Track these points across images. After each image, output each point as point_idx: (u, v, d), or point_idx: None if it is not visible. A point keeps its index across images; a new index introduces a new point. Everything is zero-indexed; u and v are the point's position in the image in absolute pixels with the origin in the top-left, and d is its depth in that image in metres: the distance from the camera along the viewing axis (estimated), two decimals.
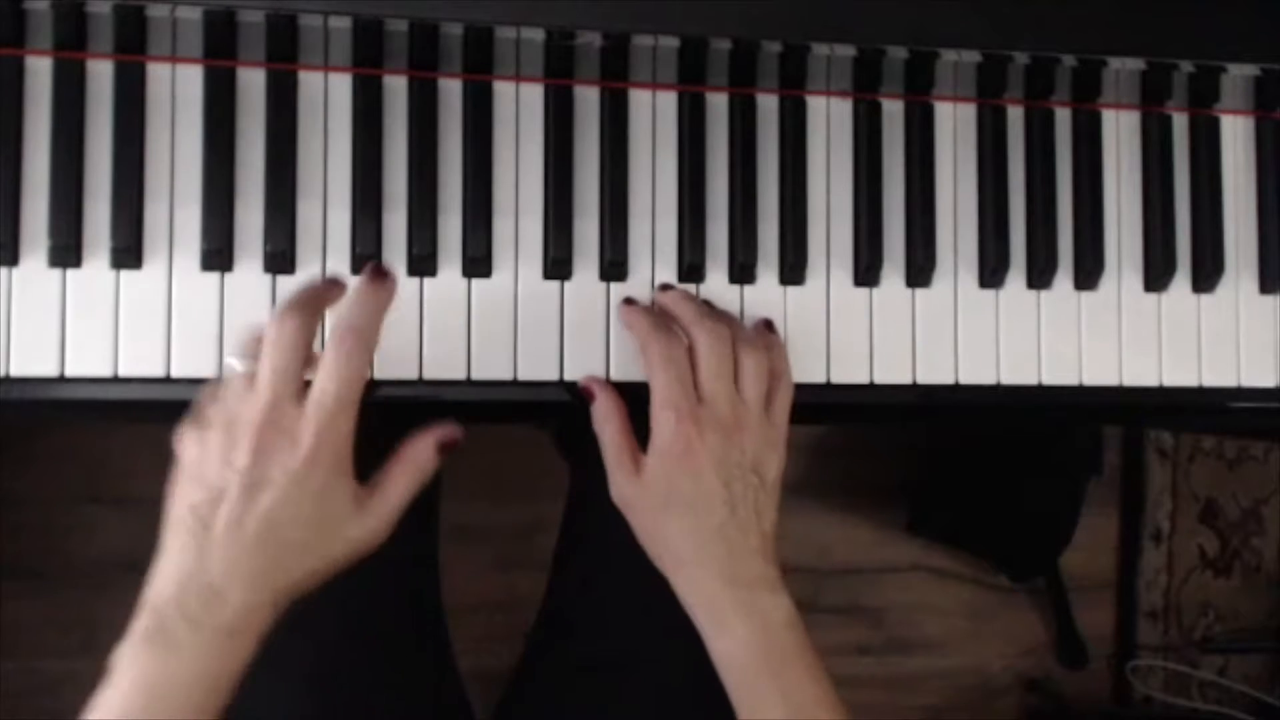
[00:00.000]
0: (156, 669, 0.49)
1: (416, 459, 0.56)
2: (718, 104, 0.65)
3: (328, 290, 0.56)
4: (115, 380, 0.59)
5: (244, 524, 0.50)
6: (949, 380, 0.67)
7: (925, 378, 0.66)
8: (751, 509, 0.58)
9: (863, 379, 0.66)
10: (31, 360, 0.58)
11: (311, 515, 0.51)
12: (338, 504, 0.52)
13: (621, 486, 0.59)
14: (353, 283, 0.55)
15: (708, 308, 0.62)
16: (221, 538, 0.50)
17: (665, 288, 0.64)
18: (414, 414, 0.62)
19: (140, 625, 0.50)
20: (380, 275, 0.54)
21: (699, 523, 0.57)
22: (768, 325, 0.64)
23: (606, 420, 0.60)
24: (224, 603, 0.50)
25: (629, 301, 0.63)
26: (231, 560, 0.50)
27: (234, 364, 0.53)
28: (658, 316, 0.61)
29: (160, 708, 0.49)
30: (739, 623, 0.57)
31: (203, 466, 0.51)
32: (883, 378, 0.66)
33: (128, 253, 0.58)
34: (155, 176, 0.59)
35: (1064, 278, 0.68)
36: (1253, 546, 1.52)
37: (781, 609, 0.58)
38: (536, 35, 0.62)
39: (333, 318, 0.56)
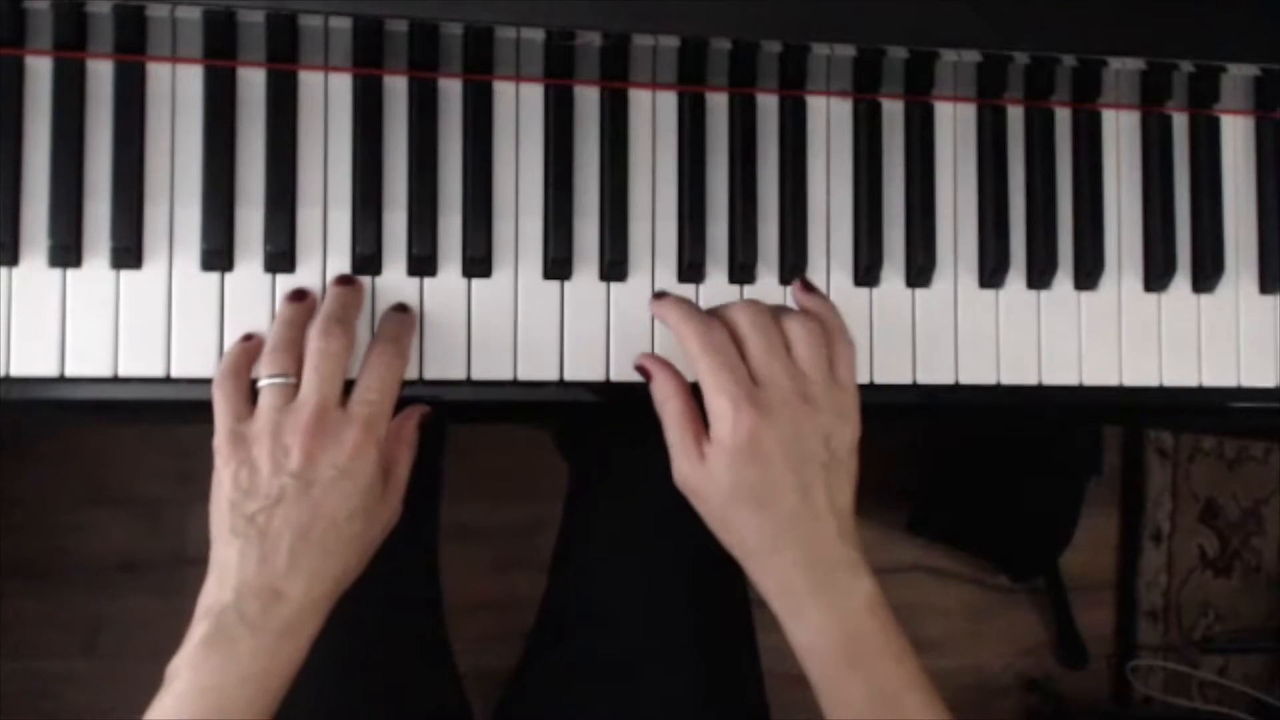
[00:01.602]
0: (215, 673, 0.52)
1: (409, 437, 0.60)
2: (718, 104, 0.65)
3: (354, 295, 0.59)
4: (115, 380, 0.58)
5: (303, 523, 0.53)
6: (949, 380, 0.67)
7: (925, 378, 0.66)
8: (824, 490, 0.56)
9: (863, 379, 0.65)
10: (31, 360, 0.58)
11: (359, 506, 0.55)
12: (376, 489, 0.56)
13: (685, 473, 0.57)
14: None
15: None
16: (283, 539, 0.53)
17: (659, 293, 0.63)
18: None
19: (198, 632, 0.52)
20: (406, 308, 0.60)
21: (769, 514, 0.55)
22: (806, 285, 0.63)
23: (668, 399, 0.58)
24: (284, 603, 0.53)
25: (659, 295, 0.62)
26: (294, 558, 0.53)
27: (268, 380, 0.55)
28: (690, 304, 0.59)
29: (217, 709, 0.51)
30: (815, 610, 0.55)
31: (255, 478, 0.54)
32: (883, 378, 0.66)
33: (128, 253, 0.58)
34: (155, 176, 0.59)
35: (1064, 278, 0.68)
36: (1253, 546, 1.52)
37: (860, 593, 0.55)
38: (536, 35, 0.62)
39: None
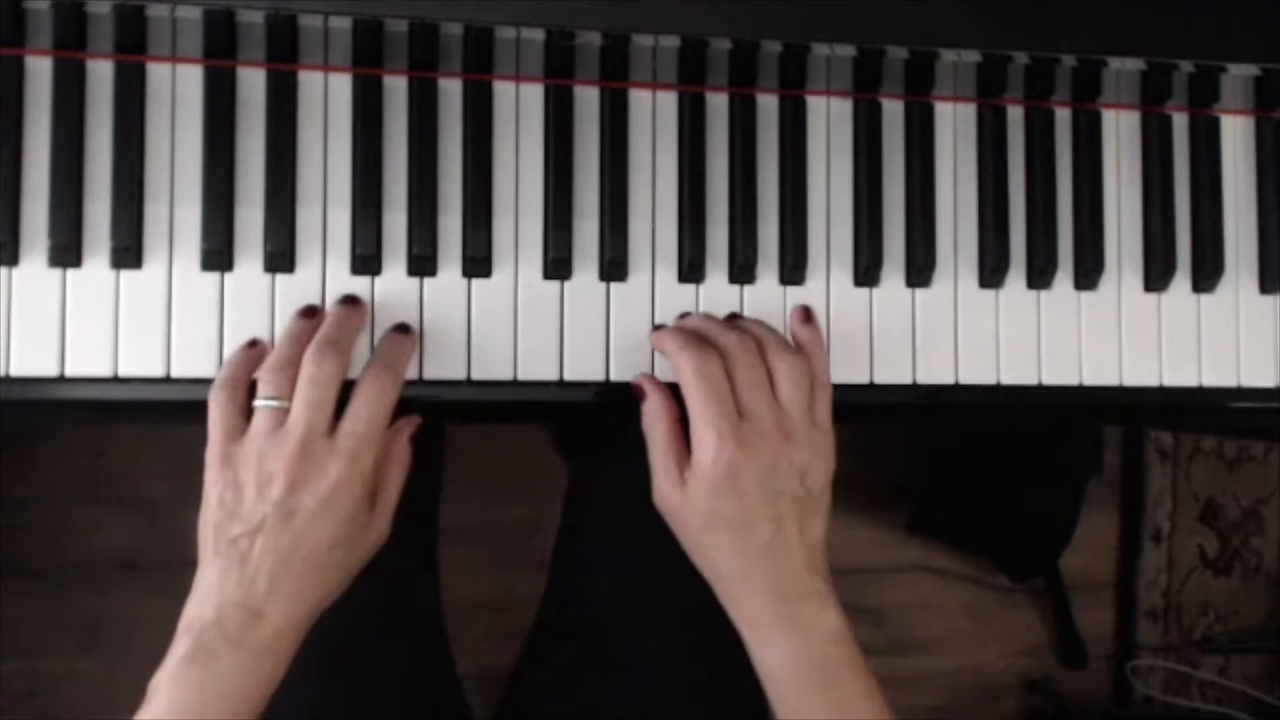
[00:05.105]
0: (196, 689, 0.52)
1: (399, 455, 0.59)
2: (718, 104, 0.65)
3: (354, 316, 0.59)
4: (115, 380, 0.58)
5: (283, 551, 0.54)
6: (949, 380, 0.67)
7: (925, 378, 0.66)
8: (796, 524, 0.57)
9: (863, 379, 0.66)
10: (31, 360, 0.58)
11: (340, 536, 0.55)
12: (360, 518, 0.56)
13: (666, 495, 0.59)
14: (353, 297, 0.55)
15: (734, 319, 0.61)
16: (263, 565, 0.54)
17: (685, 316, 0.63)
18: (413, 414, 0.62)
19: (180, 649, 0.53)
20: (407, 329, 0.60)
21: (743, 542, 0.57)
22: (805, 315, 0.63)
23: (656, 421, 0.59)
24: (264, 623, 0.53)
25: (658, 328, 0.63)
26: (274, 583, 0.54)
27: (261, 402, 0.55)
28: (688, 333, 0.60)
29: None
30: (782, 637, 0.57)
31: (239, 502, 0.54)
32: (883, 378, 0.66)
33: (128, 253, 0.58)
34: (155, 176, 0.59)
35: (1064, 278, 0.68)
36: (1253, 546, 1.52)
37: (826, 623, 0.57)
38: (536, 35, 0.62)
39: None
